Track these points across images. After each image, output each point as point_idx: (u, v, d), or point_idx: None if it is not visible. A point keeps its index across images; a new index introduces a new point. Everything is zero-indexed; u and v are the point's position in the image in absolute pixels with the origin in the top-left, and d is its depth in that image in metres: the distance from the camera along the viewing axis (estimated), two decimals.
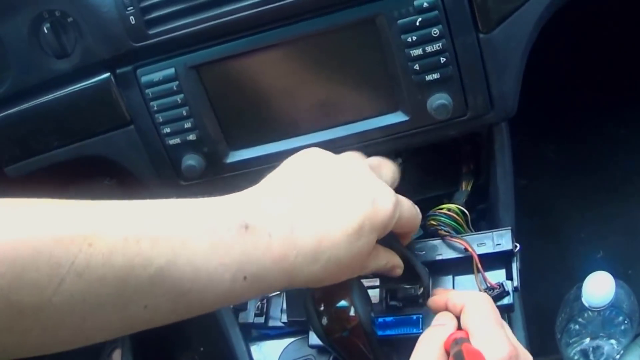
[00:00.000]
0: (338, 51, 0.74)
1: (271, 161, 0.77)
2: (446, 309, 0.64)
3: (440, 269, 0.75)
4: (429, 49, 0.71)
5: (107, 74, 0.78)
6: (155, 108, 0.77)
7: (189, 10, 0.73)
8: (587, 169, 1.12)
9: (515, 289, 0.70)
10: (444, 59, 0.72)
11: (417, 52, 0.72)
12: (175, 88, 0.76)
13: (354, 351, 0.66)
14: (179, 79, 0.76)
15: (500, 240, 0.72)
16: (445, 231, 0.77)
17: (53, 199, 0.47)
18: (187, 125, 0.77)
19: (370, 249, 0.59)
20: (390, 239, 0.66)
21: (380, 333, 0.71)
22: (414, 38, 0.71)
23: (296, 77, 0.75)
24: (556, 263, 0.99)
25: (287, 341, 0.85)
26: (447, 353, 0.57)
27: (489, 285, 0.71)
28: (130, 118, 0.80)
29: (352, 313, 0.65)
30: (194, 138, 0.78)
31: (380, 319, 0.73)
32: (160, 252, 0.47)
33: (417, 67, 0.72)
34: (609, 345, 0.96)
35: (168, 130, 0.78)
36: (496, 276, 0.72)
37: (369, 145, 0.77)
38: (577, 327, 0.96)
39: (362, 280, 0.68)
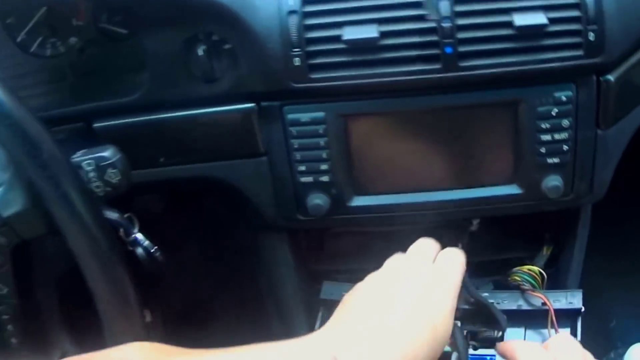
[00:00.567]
0: (475, 123, 0.81)
1: (390, 210, 0.84)
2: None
3: (514, 319, 0.83)
4: (557, 136, 0.80)
5: (252, 105, 0.81)
6: (296, 146, 0.81)
7: (352, 64, 0.77)
8: None
9: None
10: (566, 147, 0.81)
11: (547, 137, 0.80)
12: (321, 131, 0.80)
13: None
14: (326, 123, 0.80)
15: (573, 299, 0.84)
16: (525, 287, 0.86)
17: None
18: (323, 167, 0.82)
19: None
20: (470, 288, 0.76)
21: None
22: (547, 125, 0.80)
23: (431, 140, 0.82)
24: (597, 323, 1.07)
25: None
26: None
27: None
28: (265, 150, 0.83)
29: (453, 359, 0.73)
30: (326, 180, 0.82)
31: None
32: None
33: (543, 150, 0.81)
34: None
35: (303, 168, 0.82)
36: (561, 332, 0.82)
37: (478, 210, 0.85)
38: None
39: None
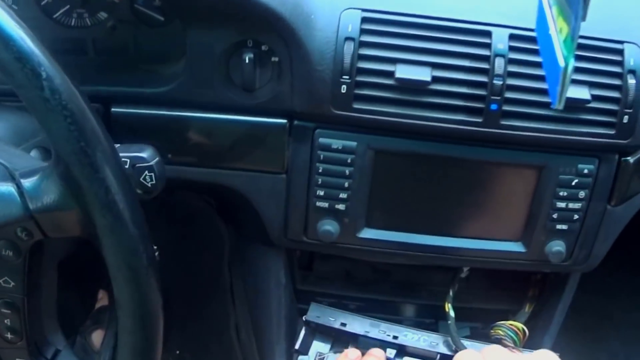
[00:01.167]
0: (497, 179, 0.82)
1: (396, 247, 0.85)
2: None
3: None
4: (571, 205, 0.83)
5: (285, 121, 0.79)
6: (320, 170, 0.80)
7: (398, 102, 0.76)
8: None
9: None
10: (577, 217, 0.83)
11: (561, 204, 0.82)
12: (348, 160, 0.79)
13: None
14: (356, 153, 0.79)
15: None
16: (507, 341, 0.88)
17: None
18: (342, 195, 0.81)
19: None
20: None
21: None
22: (565, 193, 0.82)
23: (451, 187, 0.82)
24: None
25: None
26: None
27: None
28: (287, 168, 0.81)
29: None
30: (342, 208, 0.81)
31: None
32: None
33: (555, 215, 0.83)
34: None
35: (321, 193, 0.81)
36: None
37: (480, 261, 0.86)
38: None
39: None
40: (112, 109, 0.79)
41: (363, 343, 0.88)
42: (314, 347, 0.89)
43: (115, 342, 0.64)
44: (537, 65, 0.76)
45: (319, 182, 0.80)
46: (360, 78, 0.76)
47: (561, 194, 0.82)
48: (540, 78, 0.76)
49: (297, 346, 0.88)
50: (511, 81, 0.76)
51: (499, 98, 0.76)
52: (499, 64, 0.75)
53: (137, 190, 0.65)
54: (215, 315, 1.11)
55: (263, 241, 0.88)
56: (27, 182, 0.57)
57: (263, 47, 0.76)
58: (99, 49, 0.80)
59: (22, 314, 0.64)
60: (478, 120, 0.77)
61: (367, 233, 0.84)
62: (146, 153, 0.65)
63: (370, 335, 0.87)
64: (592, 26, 0.70)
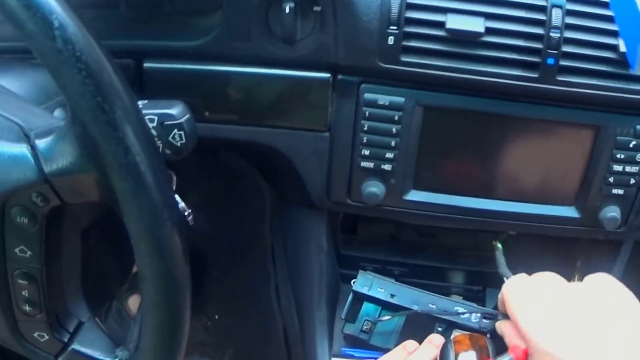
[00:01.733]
0: (552, 139, 0.78)
1: (444, 211, 0.81)
2: None
3: None
4: (628, 168, 0.78)
5: (328, 76, 0.75)
6: (366, 128, 0.76)
7: (449, 55, 0.73)
8: None
9: None
10: (634, 181, 0.79)
11: (618, 167, 0.78)
12: (396, 117, 0.75)
13: None
14: (403, 110, 0.75)
15: None
16: None
17: None
18: (389, 155, 0.77)
19: None
20: None
21: None
22: (622, 156, 0.77)
23: (502, 147, 0.78)
24: None
25: None
26: None
27: None
28: (329, 125, 0.77)
29: None
30: (389, 169, 0.78)
31: None
32: None
33: (612, 179, 0.78)
34: None
35: (367, 152, 0.77)
36: None
37: (531, 226, 0.82)
38: None
39: None
40: (145, 65, 0.76)
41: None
42: (361, 314, 0.85)
43: None
44: (597, 17, 0.72)
45: (364, 141, 0.77)
46: (408, 29, 0.72)
47: (618, 156, 0.77)
48: (601, 32, 0.72)
49: (343, 315, 0.85)
50: (569, 34, 0.72)
51: (556, 52, 0.71)
52: (557, 15, 0.71)
53: (165, 150, 0.60)
54: (255, 278, 1.08)
55: (305, 203, 0.85)
56: (41, 143, 0.53)
57: None
58: (131, 2, 0.76)
59: (41, 285, 0.59)
60: (533, 75, 0.73)
61: (414, 195, 0.81)
62: (175, 110, 0.59)
63: (419, 310, 0.84)
64: None
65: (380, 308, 0.85)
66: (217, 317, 1.17)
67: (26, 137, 0.54)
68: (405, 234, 0.95)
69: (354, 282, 0.85)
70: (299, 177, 0.81)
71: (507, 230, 0.87)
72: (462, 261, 0.90)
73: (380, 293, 0.84)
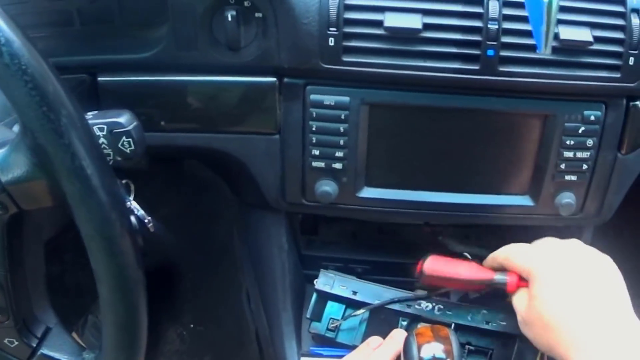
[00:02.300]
0: (501, 130, 0.78)
1: (399, 206, 0.82)
2: None
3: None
4: (579, 154, 0.79)
5: (274, 80, 0.77)
6: (314, 128, 0.77)
7: (389, 52, 0.74)
8: None
9: None
10: (586, 167, 0.80)
11: (569, 154, 0.79)
12: (342, 117, 0.76)
13: None
14: (349, 109, 0.76)
15: None
16: None
17: None
18: (339, 154, 0.78)
19: None
20: None
21: None
22: (572, 142, 0.78)
23: (452, 140, 0.79)
24: None
25: None
26: None
27: None
28: (279, 128, 0.78)
29: None
30: (339, 167, 0.79)
31: None
32: None
33: (563, 166, 0.79)
34: None
35: (317, 152, 0.78)
36: None
37: (486, 217, 0.83)
38: None
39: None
40: (99, 78, 0.78)
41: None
42: (326, 313, 0.86)
43: None
44: None
45: (314, 141, 0.78)
46: (347, 29, 0.73)
47: (568, 142, 0.78)
48: None
49: (308, 315, 0.86)
50: (507, 25, 0.73)
51: (495, 43, 0.72)
52: (494, 7, 0.72)
53: (116, 157, 0.63)
54: (226, 285, 1.10)
55: (263, 206, 0.86)
56: None
57: (246, 3, 0.73)
58: (84, 18, 0.78)
59: (6, 291, 0.62)
60: (474, 67, 0.74)
61: (367, 192, 0.82)
62: (123, 118, 0.63)
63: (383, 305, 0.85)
64: None
65: (344, 306, 0.86)
66: (192, 325, 1.19)
67: None
68: (365, 232, 0.96)
69: (316, 282, 0.86)
70: (254, 180, 0.82)
71: (462, 223, 0.88)
72: (422, 255, 0.91)
73: (342, 290, 0.85)
